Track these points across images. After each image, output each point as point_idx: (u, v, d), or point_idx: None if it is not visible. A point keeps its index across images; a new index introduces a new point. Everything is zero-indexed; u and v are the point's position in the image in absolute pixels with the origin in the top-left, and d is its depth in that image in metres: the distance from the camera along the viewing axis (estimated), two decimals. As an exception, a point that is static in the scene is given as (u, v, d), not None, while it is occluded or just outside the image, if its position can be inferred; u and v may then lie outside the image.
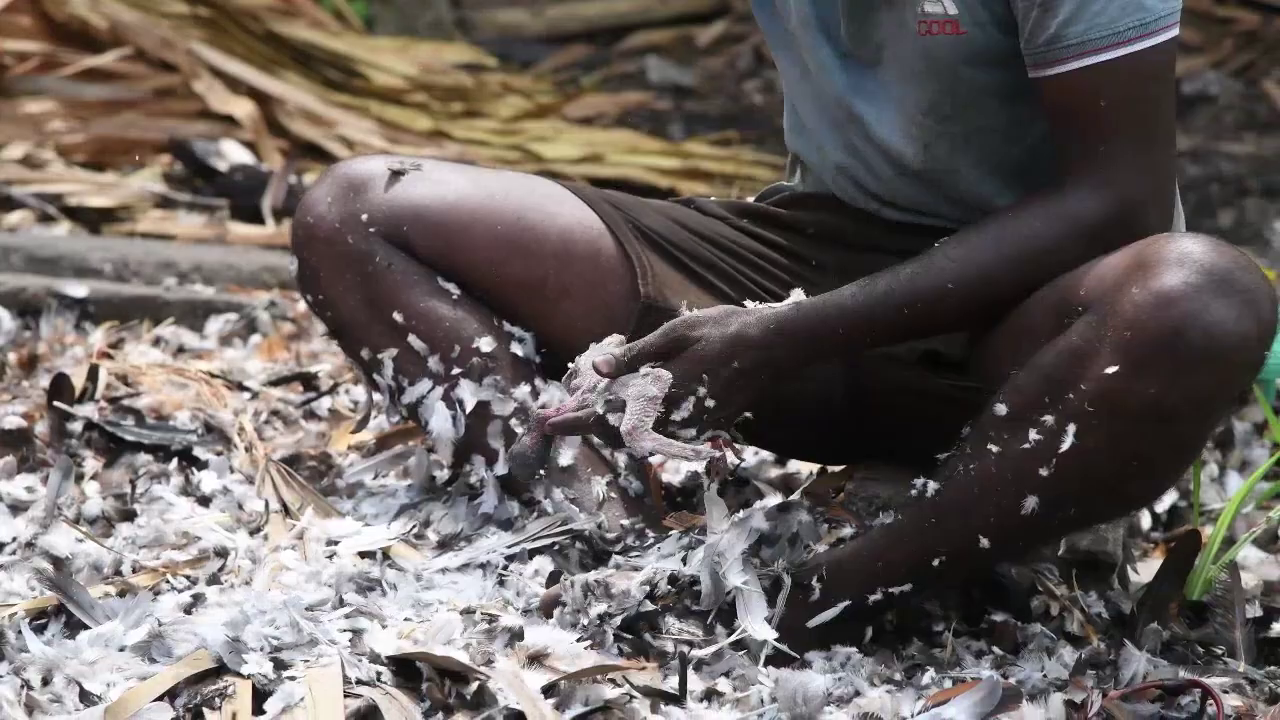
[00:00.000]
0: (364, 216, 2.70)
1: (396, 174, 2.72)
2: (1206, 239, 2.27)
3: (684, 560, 2.44)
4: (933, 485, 2.38)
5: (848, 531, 2.50)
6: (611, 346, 2.45)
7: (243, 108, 5.46)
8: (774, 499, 2.51)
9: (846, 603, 2.39)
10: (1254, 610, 2.61)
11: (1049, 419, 2.29)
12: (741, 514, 2.46)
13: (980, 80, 2.47)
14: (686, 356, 2.40)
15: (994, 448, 2.33)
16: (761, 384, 2.41)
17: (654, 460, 2.40)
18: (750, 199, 2.79)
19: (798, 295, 2.43)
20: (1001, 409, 2.33)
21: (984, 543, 2.36)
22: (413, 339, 2.69)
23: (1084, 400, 2.27)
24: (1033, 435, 2.30)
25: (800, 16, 2.56)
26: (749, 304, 2.44)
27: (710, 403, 2.39)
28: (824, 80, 2.56)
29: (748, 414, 2.46)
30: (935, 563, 2.38)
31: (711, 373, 2.39)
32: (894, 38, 2.48)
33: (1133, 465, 2.30)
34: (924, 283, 2.39)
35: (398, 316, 2.69)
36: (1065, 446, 2.28)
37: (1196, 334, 2.22)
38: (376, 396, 2.78)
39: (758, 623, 2.37)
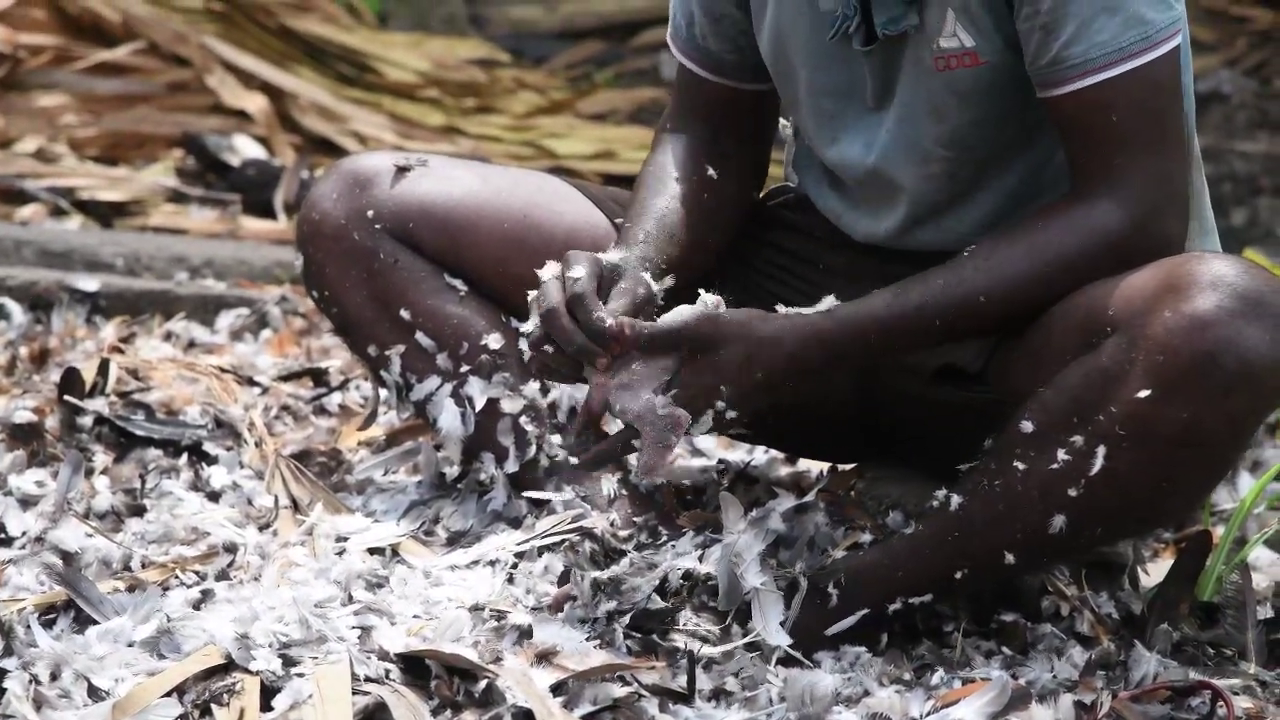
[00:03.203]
0: (370, 213, 2.69)
1: (402, 170, 2.71)
2: (1237, 260, 2.25)
3: (700, 559, 2.43)
4: (956, 498, 2.36)
5: (865, 537, 2.49)
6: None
7: (255, 103, 5.46)
8: (788, 499, 2.49)
9: (865, 611, 2.38)
10: (1265, 611, 2.59)
11: (1078, 439, 2.27)
12: (756, 513, 2.45)
13: (1003, 103, 2.44)
14: (706, 366, 2.33)
15: (1020, 465, 2.31)
16: (784, 389, 2.37)
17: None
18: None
19: (829, 302, 2.36)
20: (1028, 426, 2.30)
21: (1009, 558, 2.34)
22: (420, 336, 2.69)
23: (1114, 423, 2.25)
24: (1061, 455, 2.28)
25: (810, 89, 2.52)
26: (780, 309, 2.37)
27: (730, 414, 2.35)
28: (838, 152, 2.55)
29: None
30: (957, 575, 2.37)
31: (732, 384, 2.33)
32: (911, 79, 2.45)
33: (1163, 487, 2.28)
34: (956, 295, 2.36)
35: (404, 313, 2.68)
36: (1095, 469, 2.26)
37: (1230, 359, 2.20)
38: (383, 393, 2.78)
39: (773, 627, 2.36)
